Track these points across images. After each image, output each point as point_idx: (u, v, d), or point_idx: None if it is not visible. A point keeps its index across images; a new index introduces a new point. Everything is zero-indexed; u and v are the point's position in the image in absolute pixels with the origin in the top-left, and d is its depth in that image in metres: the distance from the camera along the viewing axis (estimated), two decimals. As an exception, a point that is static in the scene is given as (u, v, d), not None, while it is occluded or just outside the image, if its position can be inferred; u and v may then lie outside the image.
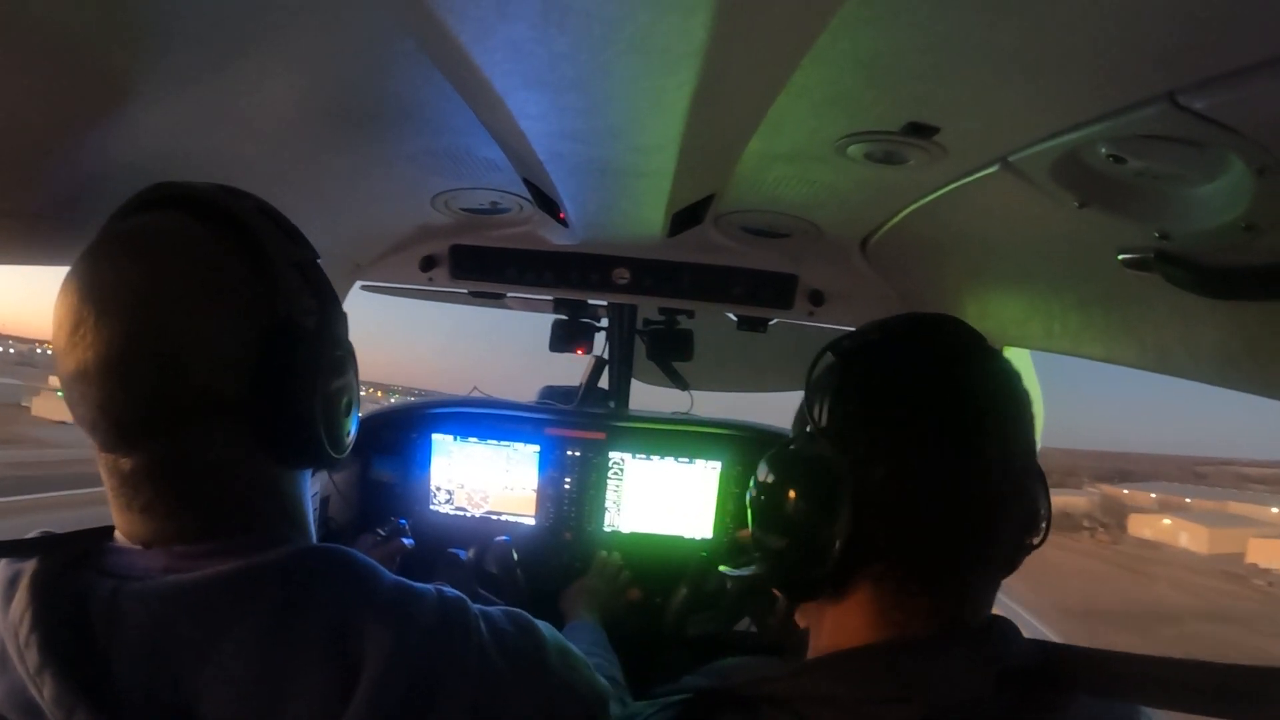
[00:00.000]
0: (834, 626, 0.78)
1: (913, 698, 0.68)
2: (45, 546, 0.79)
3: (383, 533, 1.80)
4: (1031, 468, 0.77)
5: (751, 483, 0.82)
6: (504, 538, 1.93)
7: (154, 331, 0.73)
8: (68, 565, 0.77)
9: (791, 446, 0.79)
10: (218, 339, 0.76)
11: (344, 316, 0.89)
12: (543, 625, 0.92)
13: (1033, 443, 0.77)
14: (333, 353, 0.83)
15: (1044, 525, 0.80)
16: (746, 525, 0.83)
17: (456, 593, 0.85)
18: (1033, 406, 0.77)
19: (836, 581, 0.74)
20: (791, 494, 0.76)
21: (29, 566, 0.76)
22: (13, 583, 0.75)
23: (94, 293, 0.73)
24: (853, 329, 0.85)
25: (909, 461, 0.71)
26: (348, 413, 0.87)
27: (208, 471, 0.78)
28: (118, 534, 0.80)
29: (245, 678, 0.71)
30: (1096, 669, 0.75)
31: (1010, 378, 0.76)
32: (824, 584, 0.75)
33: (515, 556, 1.90)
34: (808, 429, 0.77)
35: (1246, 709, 0.69)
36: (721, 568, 0.93)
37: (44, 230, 0.95)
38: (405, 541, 1.78)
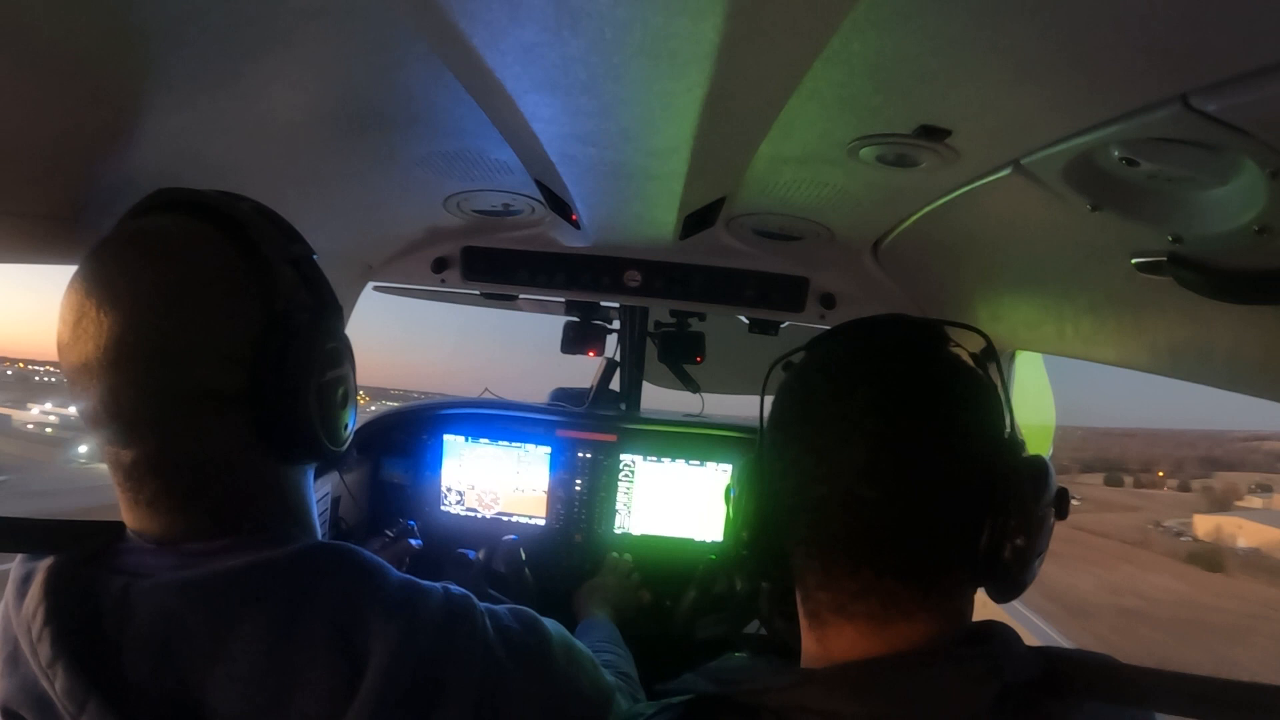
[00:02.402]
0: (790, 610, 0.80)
1: (907, 716, 0.68)
2: (60, 534, 0.81)
3: (390, 534, 1.81)
4: (983, 459, 0.73)
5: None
6: (511, 537, 1.94)
7: (154, 325, 0.74)
8: (80, 563, 0.78)
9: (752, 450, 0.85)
10: (215, 333, 0.77)
11: (340, 311, 0.91)
12: (549, 623, 0.92)
13: (986, 436, 0.74)
14: (326, 345, 0.85)
15: (1026, 526, 0.74)
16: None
17: (463, 590, 0.86)
18: (988, 398, 0.75)
19: (776, 566, 0.79)
20: (733, 491, 0.84)
21: (42, 564, 0.77)
22: (27, 580, 0.77)
23: (97, 288, 0.75)
24: None
25: (812, 450, 0.73)
26: (344, 404, 0.88)
27: (208, 465, 0.79)
28: (129, 532, 0.81)
29: (252, 672, 0.72)
30: (1102, 676, 0.74)
31: (953, 368, 0.75)
32: (760, 570, 0.83)
33: (523, 555, 1.90)
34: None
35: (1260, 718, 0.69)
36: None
37: (66, 231, 0.96)
38: (412, 543, 1.79)
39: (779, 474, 0.76)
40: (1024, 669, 0.72)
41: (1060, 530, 0.80)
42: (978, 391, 0.75)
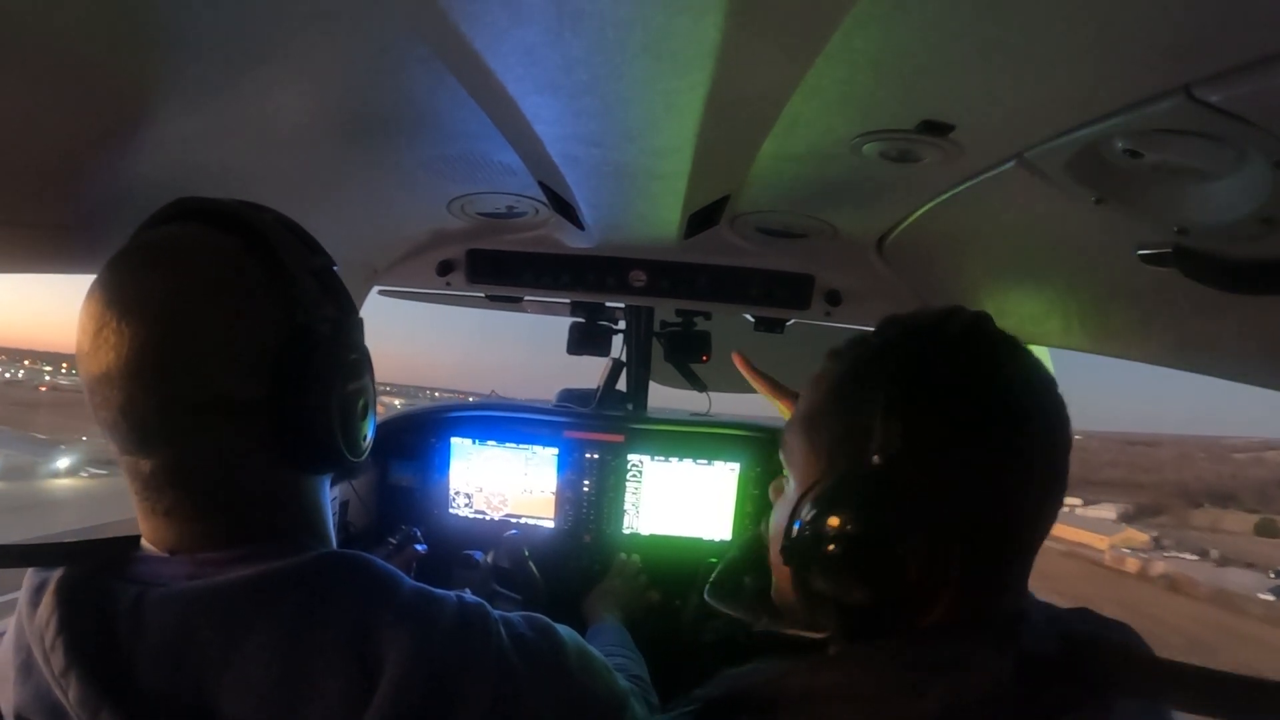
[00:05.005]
0: None
1: (931, 692, 0.67)
2: (75, 554, 0.81)
3: (394, 541, 1.81)
4: None
5: (804, 523, 0.73)
6: (512, 531, 1.94)
7: (174, 335, 0.74)
8: (93, 572, 0.79)
9: (849, 479, 0.72)
10: (236, 344, 0.77)
11: (360, 322, 0.91)
12: (562, 629, 0.92)
13: None
14: (348, 357, 0.85)
15: None
16: (762, 532, 0.82)
17: (477, 599, 0.86)
18: None
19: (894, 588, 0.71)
20: (875, 537, 0.69)
21: (55, 574, 0.78)
22: (40, 589, 0.78)
23: (117, 298, 0.75)
24: (869, 330, 0.82)
25: (1003, 484, 0.70)
26: (364, 416, 0.88)
27: (227, 474, 0.80)
28: (144, 543, 0.82)
29: (265, 681, 0.72)
30: (1125, 667, 0.73)
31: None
32: (899, 624, 0.72)
33: (526, 551, 1.90)
34: (874, 457, 0.70)
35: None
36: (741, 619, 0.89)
37: (72, 240, 0.97)
38: (418, 548, 1.80)
39: (961, 509, 0.69)
40: (1044, 646, 0.71)
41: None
42: None
